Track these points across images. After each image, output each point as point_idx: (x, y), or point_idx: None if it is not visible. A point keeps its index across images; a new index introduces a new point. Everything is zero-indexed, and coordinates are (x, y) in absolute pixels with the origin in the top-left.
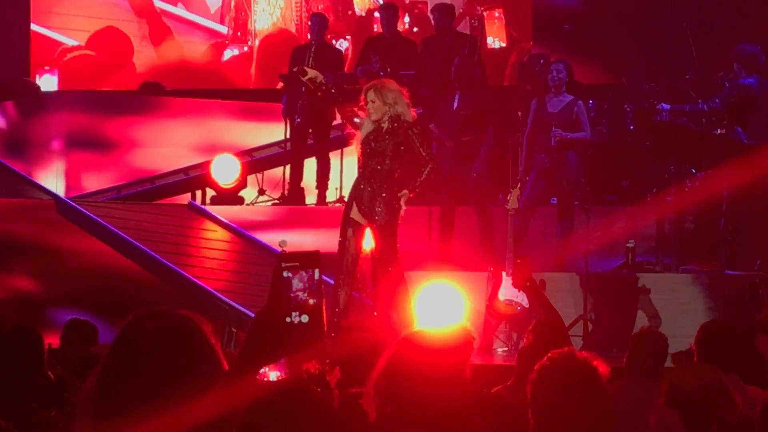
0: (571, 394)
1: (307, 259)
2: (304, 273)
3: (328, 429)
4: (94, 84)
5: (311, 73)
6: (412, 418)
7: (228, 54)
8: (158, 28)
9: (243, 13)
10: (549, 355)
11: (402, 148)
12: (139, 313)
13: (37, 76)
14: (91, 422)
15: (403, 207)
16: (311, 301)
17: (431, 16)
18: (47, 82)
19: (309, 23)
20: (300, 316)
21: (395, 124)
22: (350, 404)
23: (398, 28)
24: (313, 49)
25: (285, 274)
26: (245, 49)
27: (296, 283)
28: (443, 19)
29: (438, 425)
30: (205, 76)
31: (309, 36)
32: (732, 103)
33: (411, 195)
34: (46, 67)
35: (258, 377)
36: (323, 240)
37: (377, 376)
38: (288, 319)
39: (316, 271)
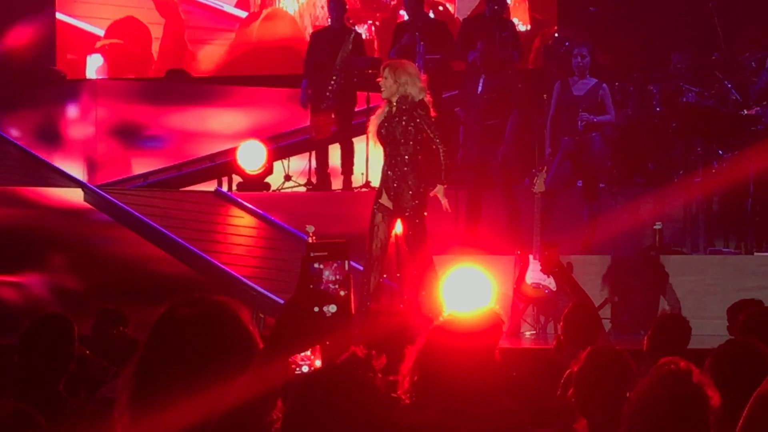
0: (676, 418)
1: (336, 250)
2: (335, 264)
3: (378, 409)
4: (118, 73)
5: None
6: (445, 399)
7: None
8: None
9: None
10: (663, 369)
11: (411, 128)
12: (176, 300)
13: (87, 56)
14: (130, 406)
15: (444, 201)
16: (342, 293)
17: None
18: (94, 62)
19: (329, 7)
20: (329, 306)
21: (403, 106)
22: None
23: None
24: (353, 36)
25: (316, 265)
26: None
27: (327, 275)
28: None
29: (469, 406)
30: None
31: (330, 20)
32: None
33: (445, 186)
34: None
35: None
36: (350, 225)
37: (412, 361)
38: (316, 309)
39: (347, 262)
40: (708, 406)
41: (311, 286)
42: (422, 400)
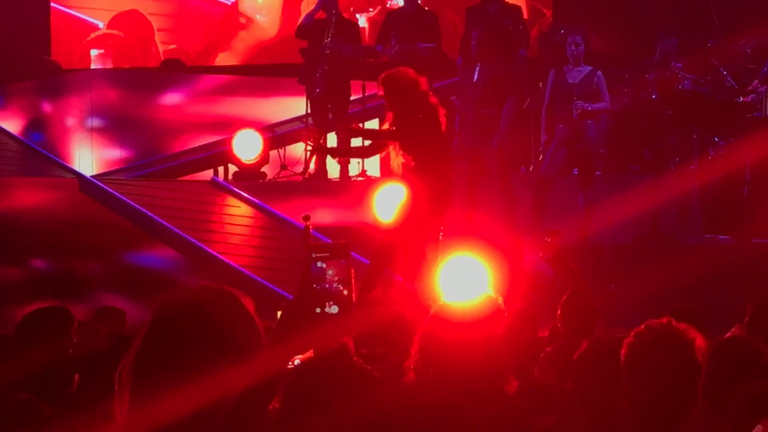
0: (666, 359)
1: (337, 251)
2: (338, 263)
3: (370, 393)
4: (119, 65)
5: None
6: (446, 382)
7: None
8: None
9: None
10: (647, 322)
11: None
12: (177, 288)
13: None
14: (130, 393)
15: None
16: (345, 292)
17: None
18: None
19: None
20: (331, 306)
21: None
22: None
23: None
24: (334, 20)
25: (319, 264)
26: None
27: (331, 273)
28: None
29: (469, 390)
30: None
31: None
32: None
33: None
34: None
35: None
36: (346, 214)
37: (413, 351)
38: (318, 310)
39: (350, 262)
40: (693, 346)
41: (314, 286)
42: (426, 380)
